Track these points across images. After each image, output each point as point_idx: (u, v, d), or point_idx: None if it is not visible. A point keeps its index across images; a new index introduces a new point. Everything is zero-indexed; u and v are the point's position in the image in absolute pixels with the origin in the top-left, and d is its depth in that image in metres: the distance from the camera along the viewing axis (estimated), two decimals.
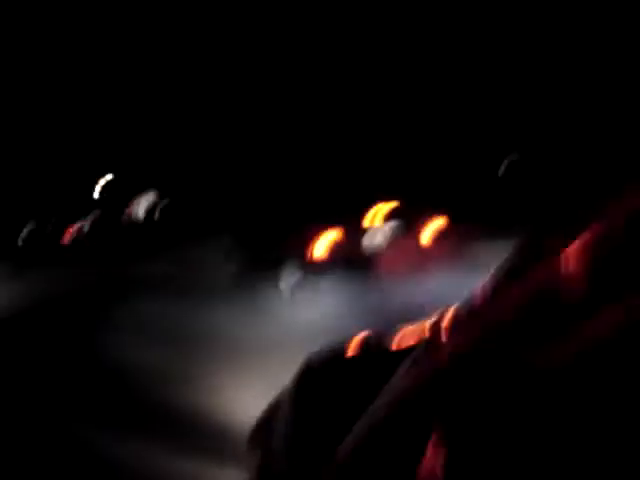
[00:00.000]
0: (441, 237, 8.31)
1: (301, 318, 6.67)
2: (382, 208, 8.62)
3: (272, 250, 8.94)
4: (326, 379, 1.83)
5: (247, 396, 4.29)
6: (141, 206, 30.72)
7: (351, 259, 8.18)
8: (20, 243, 33.84)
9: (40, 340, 7.73)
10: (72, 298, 10.99)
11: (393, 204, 8.69)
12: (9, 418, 4.64)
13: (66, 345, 7.22)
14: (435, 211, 8.51)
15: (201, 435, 3.75)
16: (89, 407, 4.64)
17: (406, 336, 1.68)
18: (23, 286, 14.27)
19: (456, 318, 1.23)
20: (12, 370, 6.24)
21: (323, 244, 8.29)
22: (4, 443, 4.11)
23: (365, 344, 1.88)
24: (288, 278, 8.47)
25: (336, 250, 8.25)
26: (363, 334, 1.92)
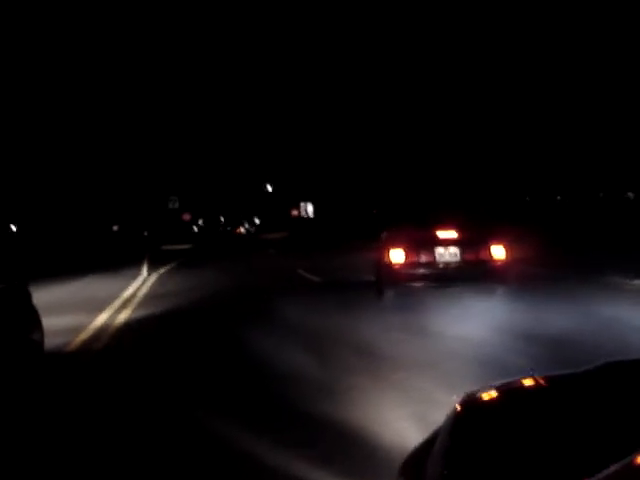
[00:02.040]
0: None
1: (458, 337, 6.32)
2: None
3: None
4: (486, 422, 1.64)
5: (398, 418, 4.05)
6: (309, 208, 38.55)
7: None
8: (195, 230, 43.34)
9: (192, 327, 8.05)
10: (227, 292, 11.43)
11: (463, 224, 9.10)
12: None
13: (214, 336, 7.39)
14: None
15: (345, 453, 3.49)
16: (228, 403, 4.59)
17: None
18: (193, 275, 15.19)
19: None
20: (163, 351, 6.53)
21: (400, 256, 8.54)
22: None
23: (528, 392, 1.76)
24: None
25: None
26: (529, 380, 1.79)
